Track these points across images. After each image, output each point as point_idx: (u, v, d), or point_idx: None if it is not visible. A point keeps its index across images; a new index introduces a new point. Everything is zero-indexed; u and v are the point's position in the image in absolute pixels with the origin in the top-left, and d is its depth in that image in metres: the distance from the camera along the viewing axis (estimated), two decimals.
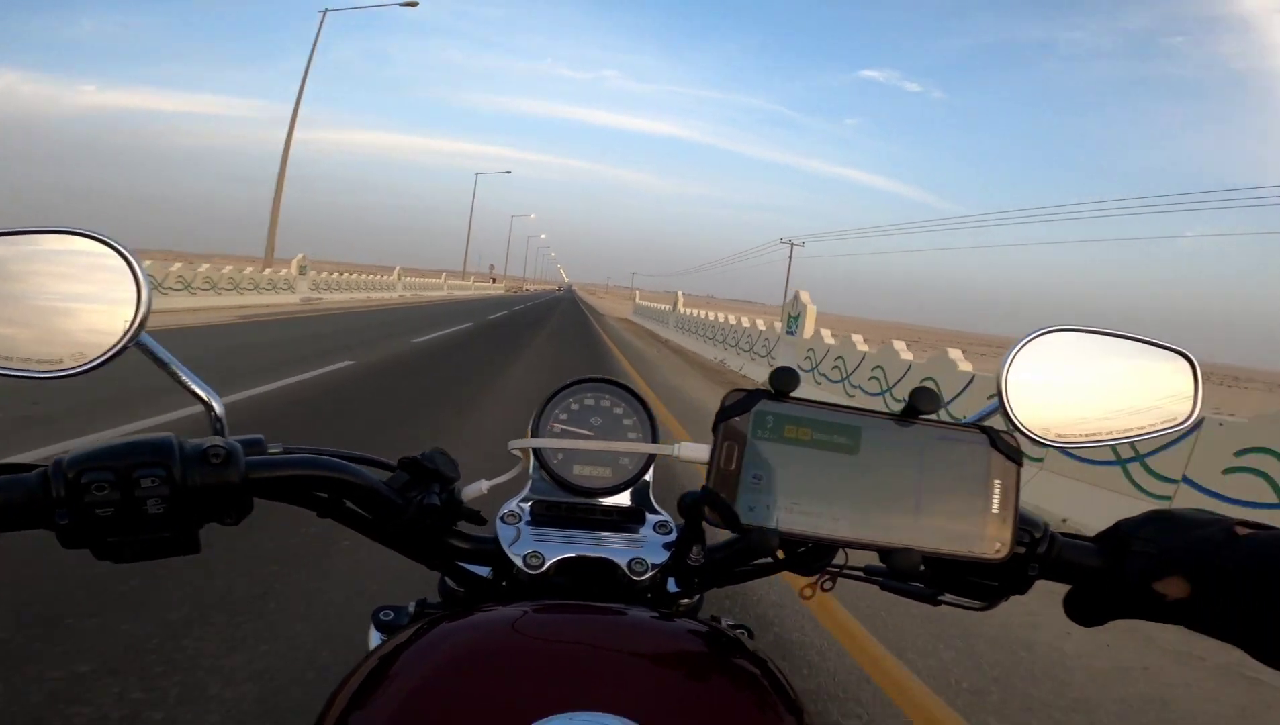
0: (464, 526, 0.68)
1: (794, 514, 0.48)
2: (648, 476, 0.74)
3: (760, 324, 13.62)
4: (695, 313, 20.09)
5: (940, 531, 0.48)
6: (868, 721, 2.16)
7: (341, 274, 26.38)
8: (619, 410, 0.76)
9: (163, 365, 0.55)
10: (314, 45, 20.66)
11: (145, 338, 0.52)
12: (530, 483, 0.73)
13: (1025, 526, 0.54)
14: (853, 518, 0.48)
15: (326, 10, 21.34)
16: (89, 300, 0.50)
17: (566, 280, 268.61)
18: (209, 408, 0.57)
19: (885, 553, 0.47)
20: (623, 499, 0.73)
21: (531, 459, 0.73)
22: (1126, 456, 4.70)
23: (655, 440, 0.74)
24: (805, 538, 0.48)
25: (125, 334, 0.51)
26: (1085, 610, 0.54)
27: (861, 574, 0.64)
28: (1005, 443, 0.50)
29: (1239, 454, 4.13)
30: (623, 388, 0.77)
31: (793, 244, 47.48)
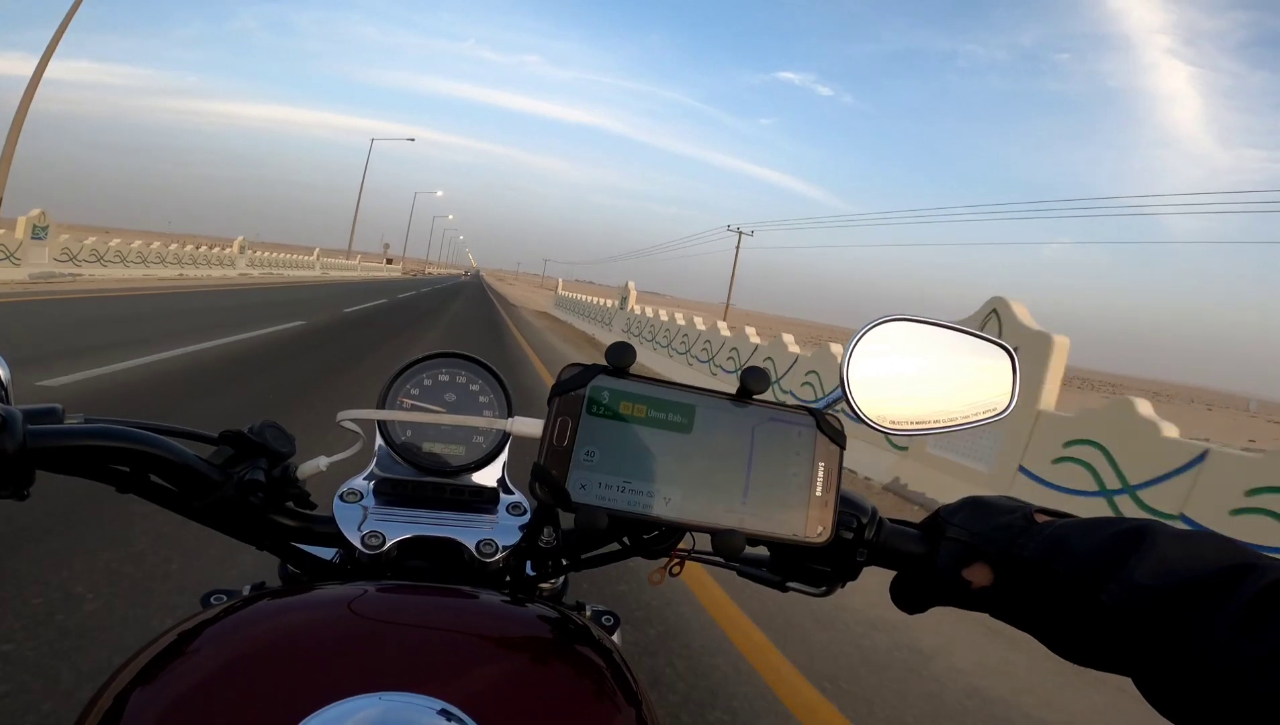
0: (295, 505, 0.64)
1: (625, 493, 0.47)
2: (503, 456, 0.72)
3: (792, 344, 8.30)
4: (658, 315, 14.00)
5: (766, 514, 0.48)
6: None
7: (134, 243, 18.56)
8: (475, 387, 0.74)
9: None
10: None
11: None
12: (375, 459, 0.70)
13: (853, 511, 0.54)
14: (683, 499, 0.47)
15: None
16: None
17: (475, 265, 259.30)
18: None
19: (713, 535, 0.46)
20: (486, 479, 0.71)
21: (378, 435, 0.70)
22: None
23: (511, 416, 0.72)
24: (634, 517, 0.47)
25: None
26: (908, 597, 0.54)
27: (707, 558, 0.64)
28: (830, 425, 0.50)
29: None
30: (479, 364, 0.75)
31: (741, 232, 46.48)
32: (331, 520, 0.63)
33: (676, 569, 0.61)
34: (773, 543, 0.50)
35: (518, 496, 0.70)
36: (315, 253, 35.53)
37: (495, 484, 0.71)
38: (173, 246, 21.23)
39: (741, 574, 0.65)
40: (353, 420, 0.60)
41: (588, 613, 0.70)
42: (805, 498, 0.49)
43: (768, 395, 0.50)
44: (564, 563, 0.66)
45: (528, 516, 0.68)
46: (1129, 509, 4.10)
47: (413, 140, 63.74)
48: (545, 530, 0.64)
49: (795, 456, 0.49)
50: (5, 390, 0.53)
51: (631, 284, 17.45)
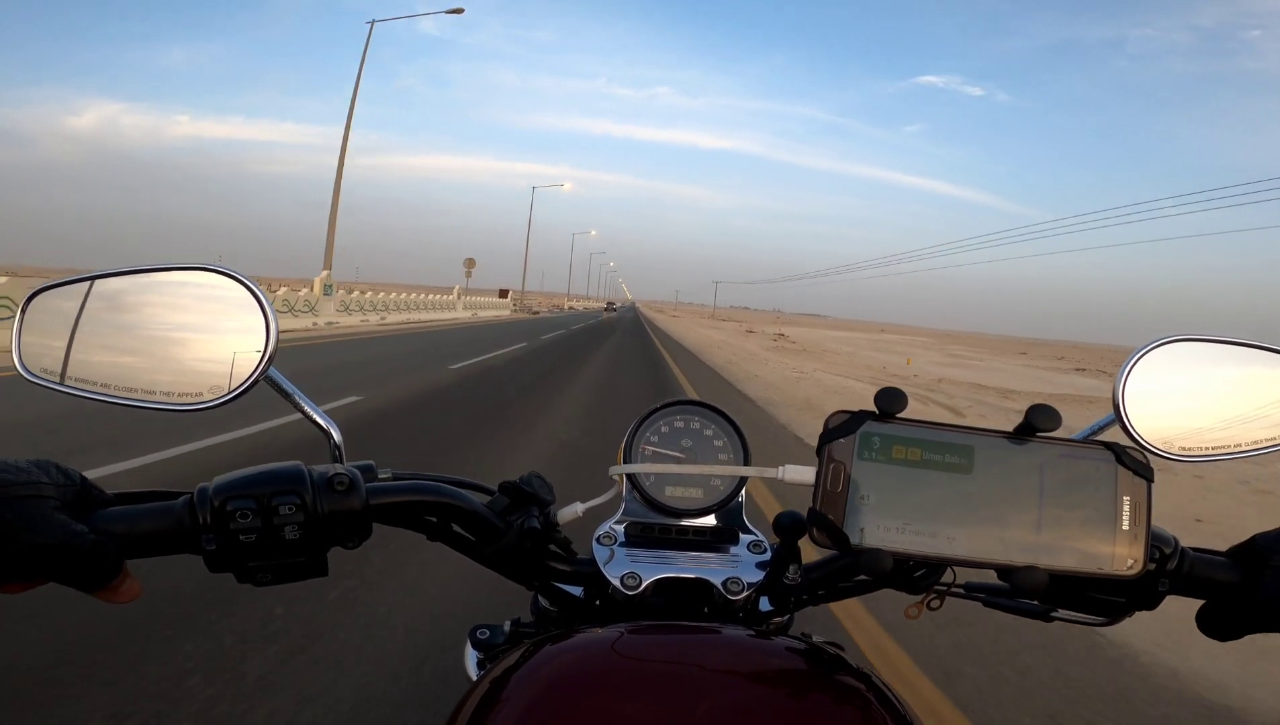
0: (558, 548, 0.69)
1: (906, 534, 0.48)
2: (740, 497, 0.74)
3: None
4: None
5: (1065, 549, 0.48)
6: None
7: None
8: (709, 432, 0.77)
9: (287, 396, 0.58)
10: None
11: (272, 370, 0.55)
12: (624, 505, 0.74)
13: (1155, 542, 0.53)
14: (969, 537, 0.48)
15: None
16: (223, 334, 0.53)
17: (629, 297, 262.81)
18: (329, 436, 0.60)
19: (1007, 572, 0.47)
20: (725, 519, 0.74)
21: (624, 482, 0.74)
22: None
23: (747, 462, 0.74)
24: (920, 558, 0.48)
25: (257, 367, 0.53)
26: (1219, 625, 0.54)
27: (963, 592, 0.62)
28: (1134, 459, 0.49)
29: None
30: (712, 409, 0.78)
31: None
32: (590, 562, 0.68)
33: (936, 603, 0.60)
34: (1076, 578, 0.50)
35: (757, 535, 0.72)
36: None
37: (734, 524, 0.73)
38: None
39: (990, 604, 0.63)
40: (617, 474, 0.64)
41: (816, 641, 0.71)
42: (1111, 532, 0.48)
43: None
44: (805, 598, 0.67)
45: (768, 554, 0.69)
46: None
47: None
48: (790, 567, 0.65)
49: (1095, 491, 0.48)
50: (340, 451, 0.61)
51: None
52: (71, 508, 0.46)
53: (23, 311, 0.52)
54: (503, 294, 49.63)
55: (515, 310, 48.14)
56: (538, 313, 52.47)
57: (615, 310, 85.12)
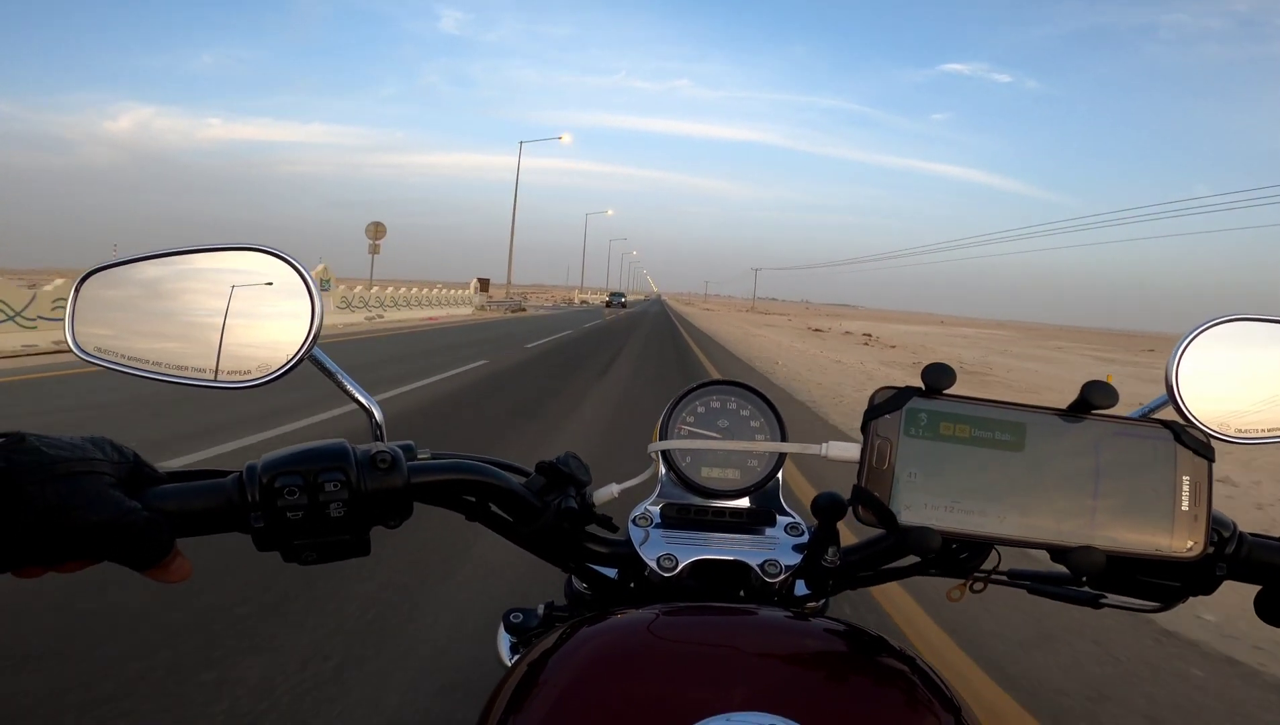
0: (594, 528, 0.69)
1: (955, 513, 0.47)
2: (777, 479, 0.74)
3: None
4: None
5: (1122, 530, 0.47)
6: None
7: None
8: (745, 412, 0.76)
9: (330, 374, 0.58)
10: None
11: (316, 349, 0.56)
12: (659, 486, 0.74)
13: (1214, 526, 0.51)
14: (1021, 517, 0.47)
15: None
16: (269, 313, 0.54)
17: (656, 289, 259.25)
18: (370, 414, 0.61)
19: (1061, 552, 0.46)
20: (762, 501, 0.73)
21: (660, 463, 0.74)
22: None
23: (785, 441, 0.74)
24: (968, 537, 0.47)
25: (303, 346, 0.54)
26: (1277, 610, 0.53)
27: (1006, 578, 0.62)
28: (1193, 438, 0.48)
29: None
30: (749, 389, 0.77)
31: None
32: (626, 543, 0.68)
33: (979, 587, 0.60)
34: (1134, 559, 0.49)
35: (794, 518, 0.72)
36: (472, 285, 35.30)
37: (771, 506, 0.73)
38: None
39: (1035, 591, 0.62)
40: (655, 452, 0.64)
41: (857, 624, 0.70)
42: (1169, 512, 0.47)
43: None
44: (844, 582, 0.66)
45: (805, 537, 0.69)
46: None
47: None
48: (829, 550, 0.65)
49: (1153, 471, 0.47)
50: (381, 430, 0.62)
51: None
52: (125, 485, 0.46)
53: (76, 292, 0.53)
54: (483, 285, 36.19)
55: (482, 307, 33.00)
56: (522, 311, 36.46)
57: (623, 304, 59.55)
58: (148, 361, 0.53)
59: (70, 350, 0.53)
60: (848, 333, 33.91)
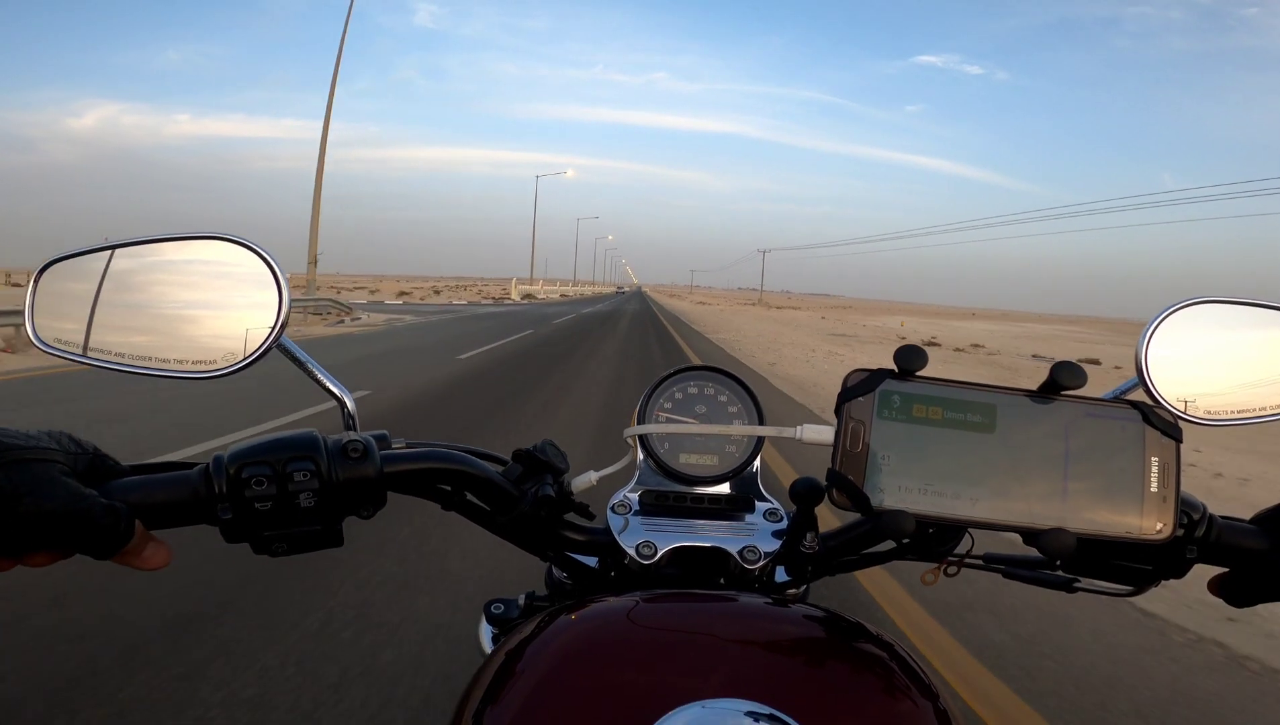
0: (572, 516, 0.69)
1: (928, 496, 0.47)
2: (755, 464, 0.74)
3: None
4: None
5: (1092, 512, 0.47)
6: None
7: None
8: (723, 398, 0.76)
9: (300, 363, 0.58)
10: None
11: (284, 338, 0.55)
12: (638, 473, 0.74)
13: (1183, 508, 0.52)
14: (992, 499, 0.47)
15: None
16: (235, 301, 0.53)
17: (635, 281, 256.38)
18: (342, 404, 0.60)
19: (1032, 535, 0.46)
20: (740, 487, 0.73)
21: (638, 450, 0.74)
22: None
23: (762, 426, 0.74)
24: (942, 520, 0.47)
25: (270, 335, 0.53)
26: (1239, 592, 0.53)
27: (981, 561, 0.62)
28: (1161, 419, 0.48)
29: None
30: (726, 375, 0.77)
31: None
32: (605, 531, 0.68)
33: (953, 571, 0.60)
34: (1103, 541, 0.49)
35: (773, 503, 0.72)
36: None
37: (750, 492, 0.73)
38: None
39: (1009, 575, 0.62)
40: (631, 437, 0.64)
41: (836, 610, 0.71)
42: (1139, 494, 0.47)
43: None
44: (822, 567, 0.66)
45: (784, 523, 0.69)
46: None
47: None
48: (807, 535, 0.65)
49: (1121, 452, 0.47)
50: (354, 419, 0.61)
51: None
52: (82, 476, 0.45)
53: (35, 283, 0.52)
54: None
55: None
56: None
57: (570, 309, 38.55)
58: (111, 352, 0.52)
59: (30, 342, 0.52)
60: (902, 335, 26.33)
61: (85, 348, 0.52)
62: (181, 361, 0.52)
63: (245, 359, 0.53)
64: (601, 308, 37.77)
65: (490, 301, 42.23)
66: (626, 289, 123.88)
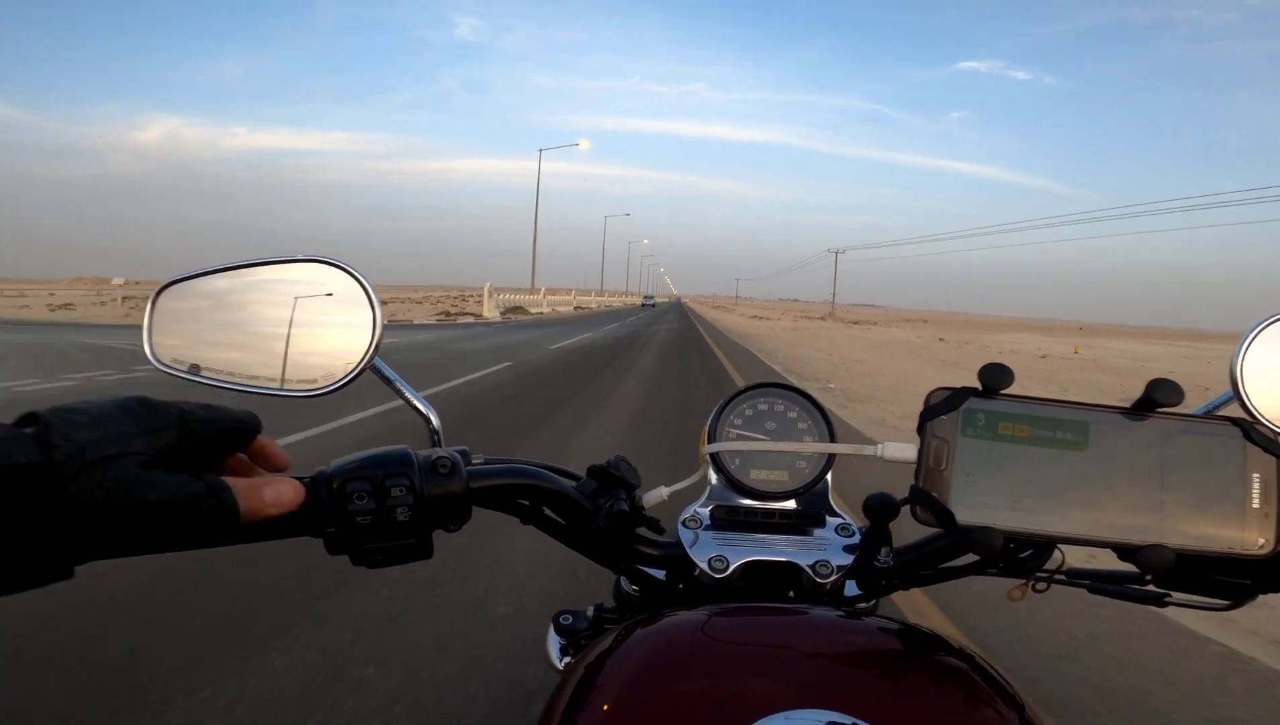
0: (643, 530, 0.70)
1: (1017, 513, 0.47)
2: (826, 480, 0.74)
3: None
4: None
5: (1190, 529, 0.47)
6: None
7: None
8: (792, 414, 0.77)
9: (389, 382, 0.60)
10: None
11: (376, 358, 0.58)
12: (709, 489, 0.75)
13: None
14: (1086, 516, 0.47)
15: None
16: (334, 324, 0.56)
17: (675, 292, 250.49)
18: (428, 421, 0.62)
19: (1129, 551, 0.46)
20: (811, 503, 0.73)
21: (709, 466, 0.75)
22: None
23: (833, 442, 0.74)
24: (1031, 536, 0.47)
25: (365, 355, 0.56)
26: None
27: (1066, 578, 0.61)
28: (1263, 435, 0.47)
29: None
30: (796, 392, 0.77)
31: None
32: (676, 544, 0.68)
33: (1042, 587, 0.59)
34: (1203, 557, 0.48)
35: (844, 518, 0.72)
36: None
37: (820, 507, 0.73)
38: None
39: (1096, 591, 0.61)
40: (710, 453, 0.65)
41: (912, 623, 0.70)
42: (1240, 510, 0.47)
43: None
44: (896, 582, 0.66)
45: (855, 537, 0.69)
46: None
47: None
48: (881, 550, 0.65)
49: (1222, 468, 0.47)
50: (439, 436, 0.63)
51: None
52: (168, 455, 0.41)
53: (152, 305, 0.56)
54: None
55: None
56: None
57: (653, 304, 40.96)
58: (218, 370, 0.56)
59: (148, 360, 0.55)
60: (1044, 356, 20.80)
61: (198, 367, 0.55)
62: (286, 380, 0.55)
63: (344, 378, 0.55)
64: (611, 330, 23.07)
65: (438, 320, 25.57)
66: (658, 300, 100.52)
